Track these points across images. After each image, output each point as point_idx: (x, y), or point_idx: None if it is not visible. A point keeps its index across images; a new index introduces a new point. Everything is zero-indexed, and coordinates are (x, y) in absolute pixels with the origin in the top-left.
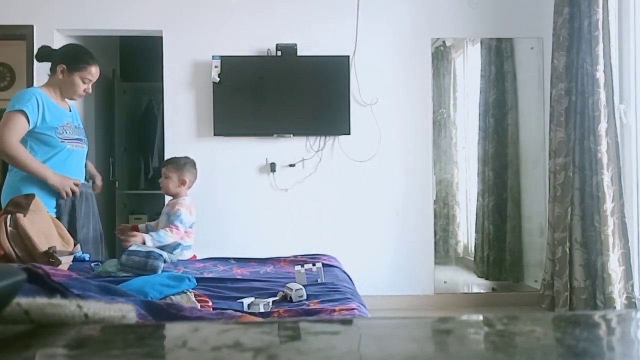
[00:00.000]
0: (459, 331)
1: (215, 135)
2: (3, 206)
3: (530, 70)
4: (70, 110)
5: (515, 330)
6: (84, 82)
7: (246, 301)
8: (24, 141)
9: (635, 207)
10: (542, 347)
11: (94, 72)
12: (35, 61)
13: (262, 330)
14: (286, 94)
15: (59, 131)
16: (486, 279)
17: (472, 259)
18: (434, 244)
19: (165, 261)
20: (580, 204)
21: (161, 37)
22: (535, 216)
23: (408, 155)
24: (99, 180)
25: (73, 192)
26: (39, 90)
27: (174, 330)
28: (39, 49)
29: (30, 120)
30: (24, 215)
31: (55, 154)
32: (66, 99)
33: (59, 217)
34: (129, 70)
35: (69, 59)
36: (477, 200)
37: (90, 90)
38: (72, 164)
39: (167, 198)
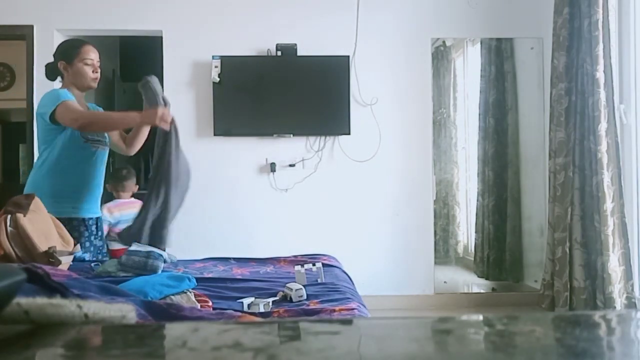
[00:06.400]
0: (459, 331)
1: (215, 135)
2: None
3: (530, 70)
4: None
5: (515, 330)
6: (87, 65)
7: (246, 301)
8: (51, 140)
9: (635, 207)
10: (542, 347)
11: (88, 51)
12: (35, 61)
13: (262, 330)
14: (286, 94)
15: (83, 132)
16: (486, 279)
17: (472, 259)
18: (434, 244)
19: (165, 261)
20: (580, 204)
21: (161, 37)
22: (535, 216)
23: (408, 155)
24: None
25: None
26: (64, 89)
27: (174, 330)
28: (46, 69)
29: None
30: (24, 215)
31: (81, 157)
32: (85, 93)
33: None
34: (129, 70)
35: (63, 52)
36: (477, 200)
37: (98, 72)
38: (96, 166)
39: None
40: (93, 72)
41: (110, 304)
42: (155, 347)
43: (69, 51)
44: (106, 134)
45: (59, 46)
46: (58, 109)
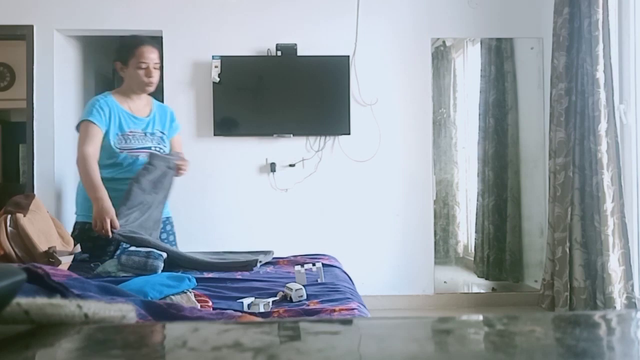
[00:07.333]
0: (459, 331)
1: (215, 135)
2: (77, 211)
3: (530, 70)
4: (149, 115)
5: (515, 330)
6: (141, 69)
7: (246, 301)
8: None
9: (635, 207)
10: (542, 347)
11: (143, 52)
12: (35, 61)
13: (262, 330)
14: (286, 94)
15: (119, 140)
16: (486, 279)
17: (472, 259)
18: (434, 244)
19: (164, 261)
20: (580, 204)
21: (161, 37)
22: (535, 216)
23: (408, 155)
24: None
25: (107, 230)
26: (108, 96)
27: (174, 330)
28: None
29: (100, 125)
30: (24, 215)
31: (111, 163)
32: (142, 97)
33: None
34: None
35: (119, 51)
36: (477, 200)
37: (154, 77)
38: (130, 173)
39: None
40: (147, 76)
41: (110, 304)
42: (155, 347)
43: (124, 52)
44: (160, 141)
45: (118, 43)
46: (80, 126)
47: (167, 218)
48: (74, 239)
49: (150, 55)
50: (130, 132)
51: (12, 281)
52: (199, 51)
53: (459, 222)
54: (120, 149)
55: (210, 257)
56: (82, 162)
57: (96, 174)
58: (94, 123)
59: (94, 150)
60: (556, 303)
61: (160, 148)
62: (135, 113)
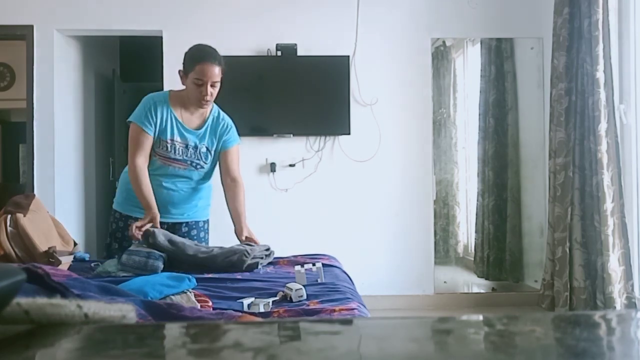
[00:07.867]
0: (459, 331)
1: None
2: (116, 199)
3: (530, 70)
4: (199, 129)
5: (515, 330)
6: (196, 85)
7: (246, 301)
8: None
9: (635, 207)
10: (542, 347)
11: (202, 70)
12: (35, 61)
13: (262, 330)
14: (286, 94)
15: (157, 143)
16: (486, 279)
17: (472, 259)
18: (434, 244)
19: (164, 262)
20: (580, 204)
21: (161, 37)
22: (535, 216)
23: (408, 155)
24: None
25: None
26: (164, 99)
27: (174, 330)
28: None
29: (150, 132)
30: (24, 215)
31: (154, 164)
32: (198, 111)
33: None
34: (129, 70)
35: (184, 61)
36: (477, 200)
37: (208, 95)
38: (166, 178)
39: None
40: (203, 93)
41: (110, 304)
42: (155, 347)
43: (186, 63)
44: (208, 157)
45: (187, 50)
46: (131, 128)
47: (206, 221)
48: (109, 224)
49: (209, 73)
50: (171, 140)
51: (12, 281)
52: None
53: (459, 222)
54: (154, 152)
55: (210, 249)
56: (133, 174)
57: (147, 185)
58: (145, 130)
59: (144, 160)
60: (556, 303)
61: (198, 164)
62: (186, 123)
